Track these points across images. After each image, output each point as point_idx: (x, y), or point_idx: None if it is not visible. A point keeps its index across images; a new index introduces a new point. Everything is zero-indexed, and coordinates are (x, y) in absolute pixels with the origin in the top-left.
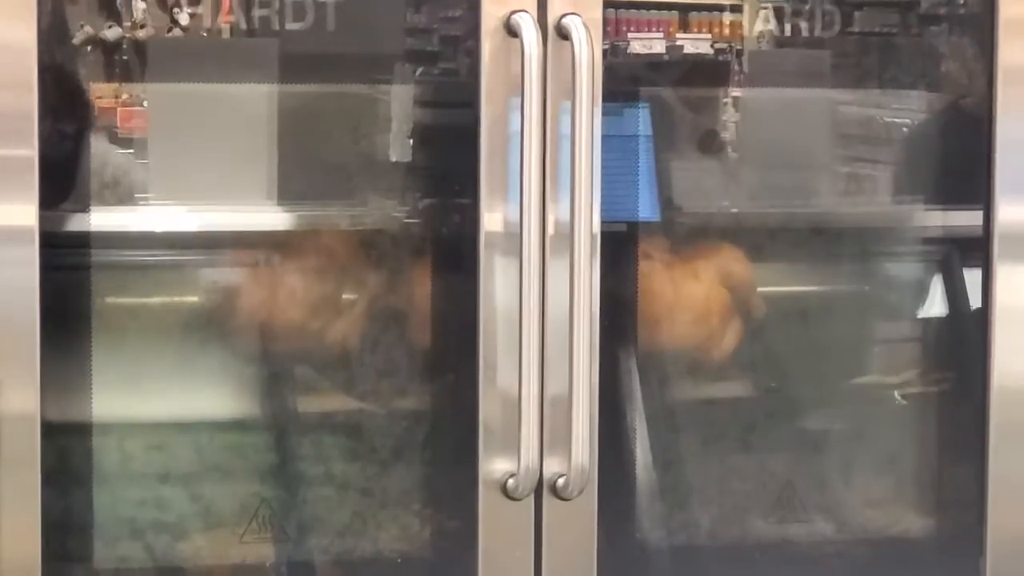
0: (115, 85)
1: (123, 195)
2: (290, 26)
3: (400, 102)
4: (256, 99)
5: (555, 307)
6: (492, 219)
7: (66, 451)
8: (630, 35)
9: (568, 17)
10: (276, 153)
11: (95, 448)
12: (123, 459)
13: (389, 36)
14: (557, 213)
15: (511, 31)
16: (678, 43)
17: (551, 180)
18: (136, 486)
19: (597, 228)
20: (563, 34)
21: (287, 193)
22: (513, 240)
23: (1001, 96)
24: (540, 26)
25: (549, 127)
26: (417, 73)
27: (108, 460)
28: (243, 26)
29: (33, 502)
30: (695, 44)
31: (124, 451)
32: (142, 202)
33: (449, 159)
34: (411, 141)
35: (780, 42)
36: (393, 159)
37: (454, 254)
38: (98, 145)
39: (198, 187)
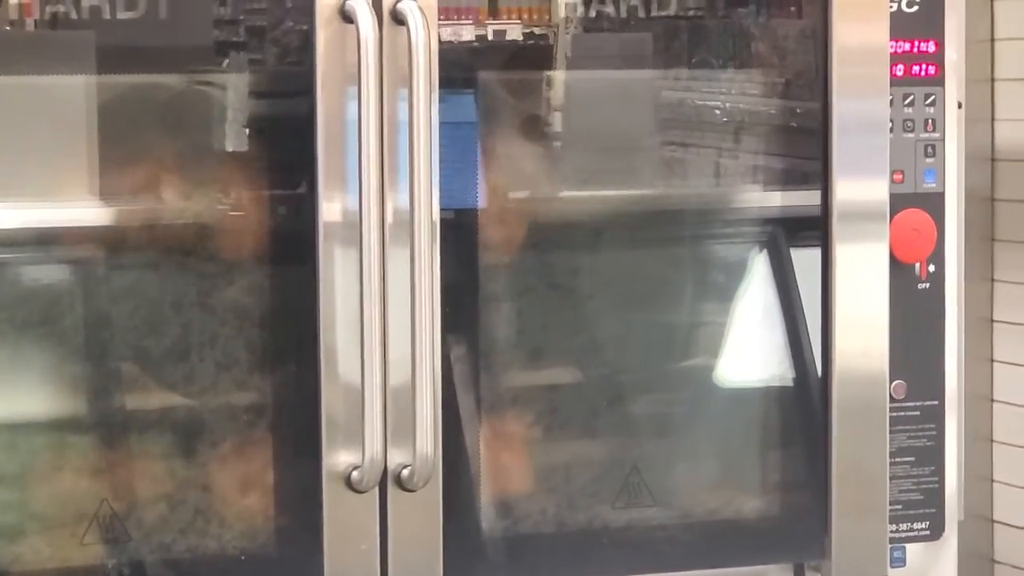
0: None
1: None
2: (121, 15)
3: (235, 92)
4: (75, 92)
5: (396, 296)
6: (330, 209)
7: None
8: (439, 22)
9: (403, 2)
10: (97, 148)
11: None
12: None
13: (218, 25)
14: (396, 201)
15: (346, 17)
16: (488, 29)
17: (389, 168)
18: None
19: (437, 215)
20: (399, 19)
21: (120, 188)
22: (352, 230)
23: (836, 76)
24: (375, 12)
25: (386, 115)
26: (254, 63)
27: None
28: (70, 15)
29: None
30: (506, 31)
31: None
32: None
33: (285, 149)
34: (247, 131)
35: (589, 26)
36: (229, 150)
37: (293, 245)
38: None
39: (16, 184)
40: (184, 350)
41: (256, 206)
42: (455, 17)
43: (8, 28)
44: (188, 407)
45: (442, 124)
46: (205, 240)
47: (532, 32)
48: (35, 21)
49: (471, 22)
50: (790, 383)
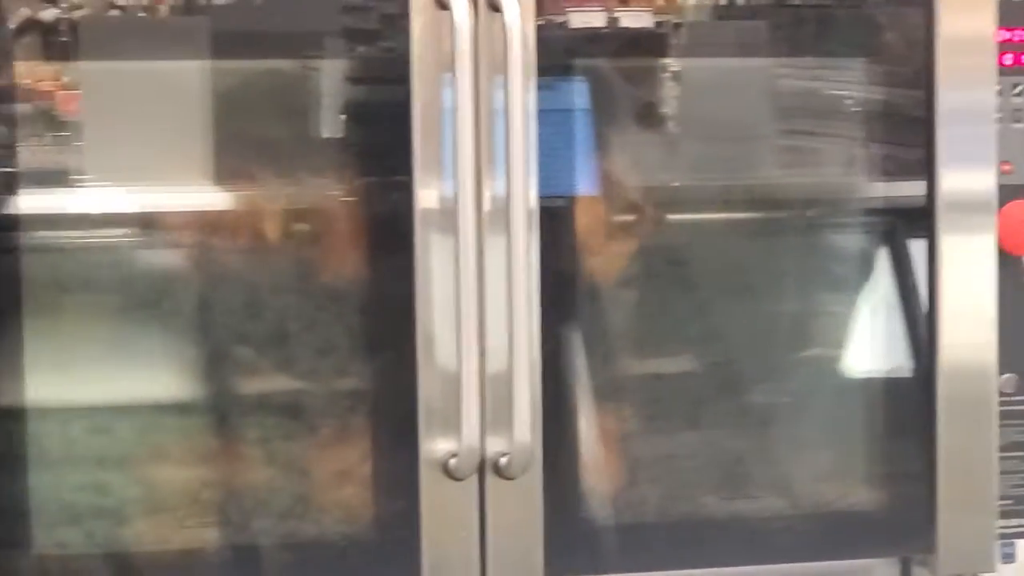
0: (54, 67)
1: (56, 177)
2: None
3: (332, 79)
4: (191, 77)
5: (494, 283)
6: (426, 196)
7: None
8: (568, 10)
9: None
10: (212, 132)
11: (30, 432)
12: (61, 443)
13: (322, 12)
14: (493, 189)
15: (442, 4)
16: (617, 16)
17: (486, 156)
18: (75, 470)
19: (534, 203)
20: (495, 6)
21: (223, 173)
22: (449, 217)
23: (941, 66)
24: None
25: (483, 102)
26: (350, 49)
27: (45, 444)
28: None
29: None
30: (635, 17)
31: (61, 435)
32: (76, 183)
33: (383, 136)
34: (343, 118)
35: (719, 13)
36: (325, 136)
37: (391, 232)
38: (32, 128)
39: (132, 167)
40: (283, 335)
41: (355, 192)
42: (583, 3)
43: (142, 15)
44: (288, 392)
45: (555, 111)
46: (306, 224)
47: (652, 19)
48: (169, 7)
49: (596, 8)
50: (900, 374)
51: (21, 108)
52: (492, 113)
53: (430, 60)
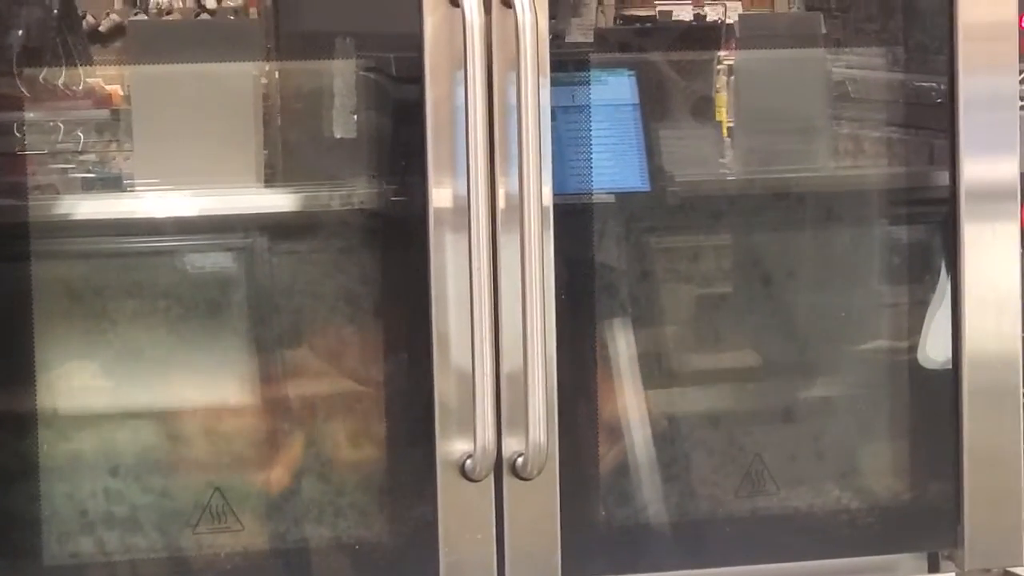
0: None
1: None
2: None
3: (343, 78)
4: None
5: (509, 282)
6: (440, 195)
7: (10, 445)
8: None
9: None
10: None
11: (42, 442)
12: (71, 452)
13: (327, 11)
14: (508, 187)
15: (454, 1)
16: (666, 9)
17: (501, 154)
18: (85, 479)
19: (548, 200)
20: (507, 2)
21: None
22: (463, 215)
23: (962, 53)
24: None
25: (497, 99)
26: (360, 48)
27: (56, 453)
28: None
29: None
30: (682, 10)
31: (72, 444)
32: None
33: (401, 135)
34: (355, 117)
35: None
36: (338, 136)
37: (408, 231)
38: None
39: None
40: (297, 336)
41: (372, 192)
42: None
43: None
44: (300, 396)
45: (603, 106)
46: (320, 227)
47: (699, 13)
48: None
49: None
50: (925, 366)
51: (78, 113)
52: (507, 110)
53: (443, 58)
